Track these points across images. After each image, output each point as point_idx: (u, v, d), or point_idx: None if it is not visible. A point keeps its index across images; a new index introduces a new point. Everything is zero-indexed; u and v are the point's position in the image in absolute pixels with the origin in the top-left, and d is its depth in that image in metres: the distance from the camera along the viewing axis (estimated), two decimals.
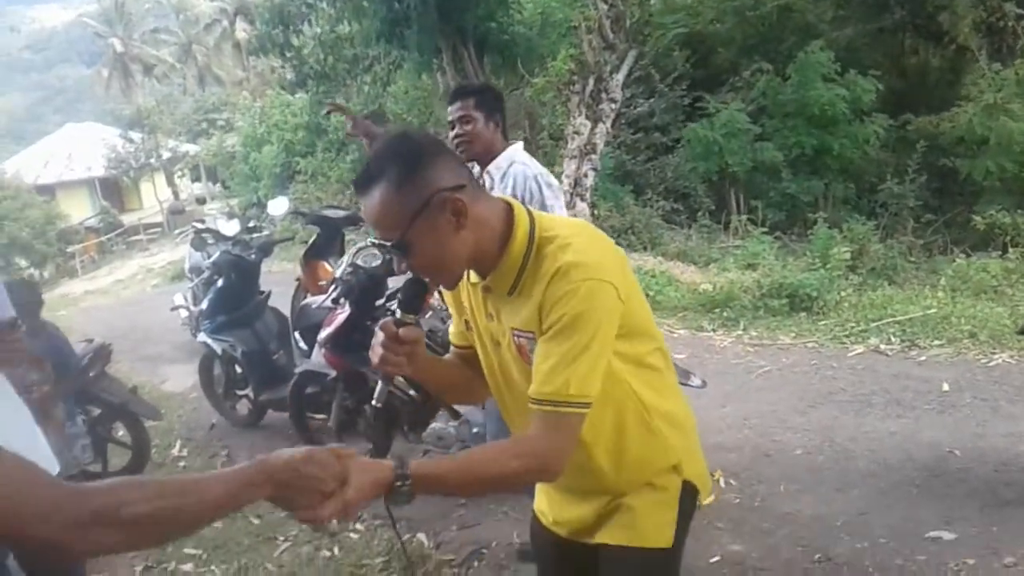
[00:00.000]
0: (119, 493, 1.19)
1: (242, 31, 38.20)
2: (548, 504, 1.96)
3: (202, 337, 5.64)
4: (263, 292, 5.77)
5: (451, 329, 1.94)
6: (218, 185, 30.05)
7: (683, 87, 11.88)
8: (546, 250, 1.59)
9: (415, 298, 1.72)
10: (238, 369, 5.68)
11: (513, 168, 3.34)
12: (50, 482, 1.16)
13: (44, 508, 1.11)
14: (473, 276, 1.72)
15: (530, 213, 1.67)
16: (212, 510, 1.29)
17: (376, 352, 1.65)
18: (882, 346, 5.92)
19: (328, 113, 3.41)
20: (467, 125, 3.27)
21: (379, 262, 4.50)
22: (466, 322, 1.83)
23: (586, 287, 1.53)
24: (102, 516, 1.15)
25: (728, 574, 3.40)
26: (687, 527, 1.84)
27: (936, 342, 5.82)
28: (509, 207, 1.66)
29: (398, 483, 1.46)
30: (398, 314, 1.70)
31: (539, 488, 2.01)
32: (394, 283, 4.72)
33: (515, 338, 1.66)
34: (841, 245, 7.88)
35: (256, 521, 4.47)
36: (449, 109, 3.30)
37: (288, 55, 13.06)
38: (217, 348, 5.57)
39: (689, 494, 1.81)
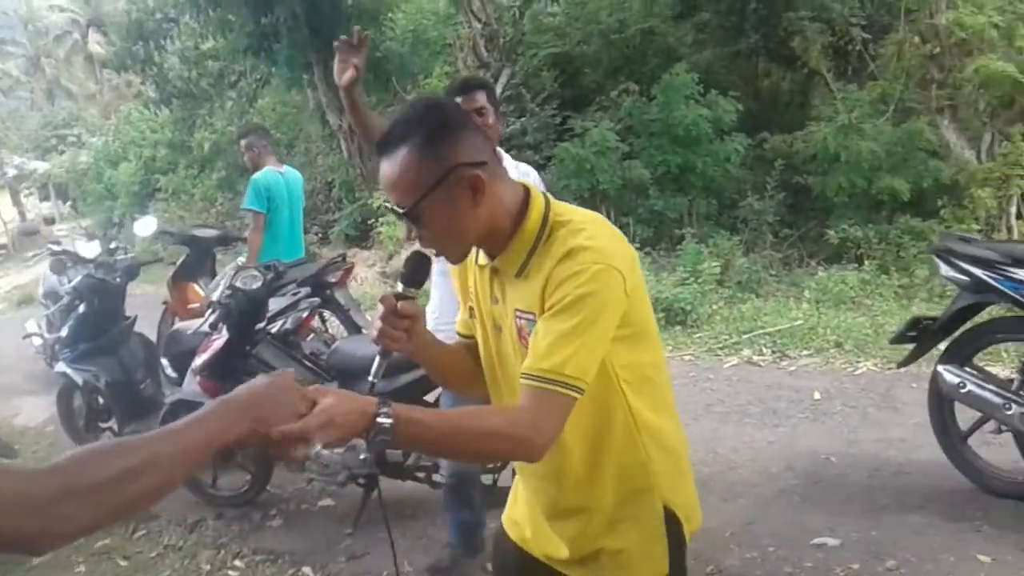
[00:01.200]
0: (82, 460, 1.08)
1: (95, 44, 36.39)
2: (526, 517, 1.88)
3: (61, 367, 5.27)
4: (128, 317, 5.44)
5: (457, 317, 1.93)
6: (68, 204, 28.44)
7: (553, 106, 12.05)
8: (558, 233, 1.58)
9: (417, 272, 1.71)
10: (101, 400, 5.34)
11: (525, 168, 3.37)
12: (7, 470, 1.04)
13: (8, 496, 1.00)
14: (482, 258, 1.71)
15: (546, 198, 1.66)
16: (190, 456, 1.19)
17: (375, 326, 1.64)
18: (755, 357, 6.13)
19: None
20: (483, 118, 3.11)
21: (259, 284, 4.32)
22: (471, 309, 1.80)
23: (594, 270, 1.50)
24: (72, 488, 1.04)
25: None
26: (682, 559, 1.77)
27: (805, 352, 6.07)
28: (526, 190, 1.66)
29: (381, 418, 1.38)
30: (399, 288, 1.69)
31: (516, 499, 1.94)
32: (275, 304, 4.55)
33: (516, 319, 1.63)
34: (710, 260, 8.14)
35: (124, 563, 4.20)
36: (460, 99, 3.09)
37: (150, 72, 12.44)
38: (78, 378, 5.21)
39: (672, 523, 1.73)
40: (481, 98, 3.14)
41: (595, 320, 1.51)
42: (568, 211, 1.64)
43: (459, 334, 1.91)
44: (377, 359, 1.69)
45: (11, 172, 30.13)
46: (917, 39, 8.00)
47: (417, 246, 1.73)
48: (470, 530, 3.66)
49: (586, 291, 1.50)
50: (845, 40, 11.54)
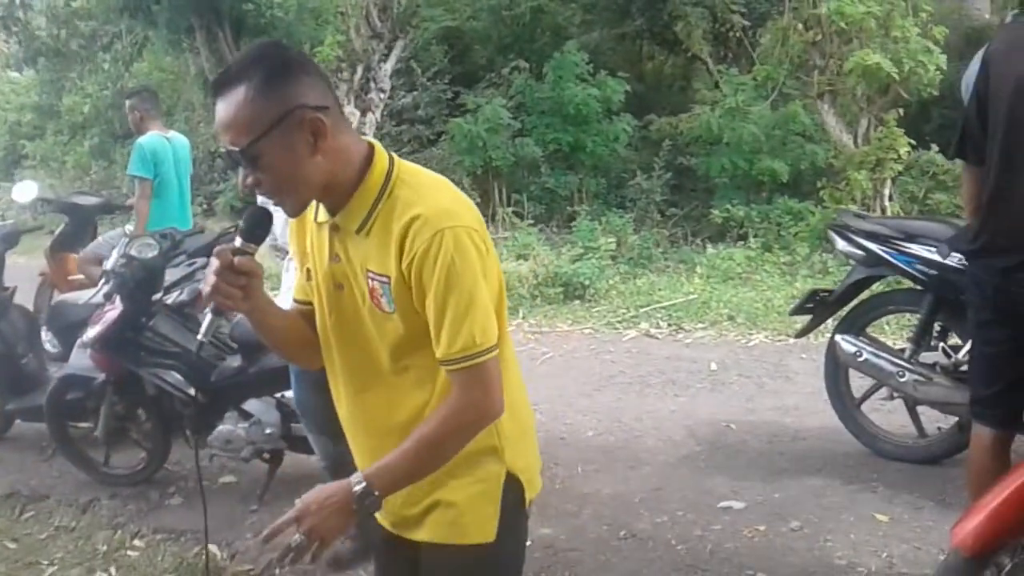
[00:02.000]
0: None
1: None
2: None
3: None
4: (7, 288, 5.09)
5: (295, 284, 1.84)
6: None
7: (444, 81, 11.96)
8: (399, 192, 1.56)
9: (257, 227, 1.63)
10: None
11: None
12: None
13: None
14: (321, 214, 1.64)
15: (391, 156, 1.62)
16: None
17: (208, 281, 1.54)
18: (652, 330, 6.29)
19: None
20: None
21: (155, 252, 4.12)
22: (307, 271, 1.72)
23: (450, 235, 1.50)
24: None
25: (541, 558, 3.44)
26: (515, 523, 1.77)
27: (699, 325, 6.28)
28: (371, 146, 1.61)
29: (356, 487, 1.47)
30: (237, 242, 1.60)
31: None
32: (170, 275, 4.35)
33: (369, 280, 1.59)
34: (604, 236, 8.28)
35: (12, 546, 3.96)
36: None
37: (14, 29, 11.61)
38: None
39: (512, 488, 1.72)
40: None
41: (475, 282, 1.52)
42: (412, 171, 1.62)
43: (296, 300, 1.82)
44: (208, 316, 1.62)
45: None
46: (800, 26, 8.32)
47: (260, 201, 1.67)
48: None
49: (453, 260, 1.50)
50: (726, 27, 11.90)
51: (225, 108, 1.49)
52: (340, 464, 3.37)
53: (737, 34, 11.74)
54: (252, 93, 1.46)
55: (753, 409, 4.77)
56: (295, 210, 1.61)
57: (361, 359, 1.67)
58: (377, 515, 1.79)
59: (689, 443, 4.43)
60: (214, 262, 1.54)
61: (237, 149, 1.48)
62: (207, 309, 1.61)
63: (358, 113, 8.49)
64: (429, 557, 1.77)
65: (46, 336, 5.34)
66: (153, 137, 5.46)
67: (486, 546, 1.70)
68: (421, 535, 1.75)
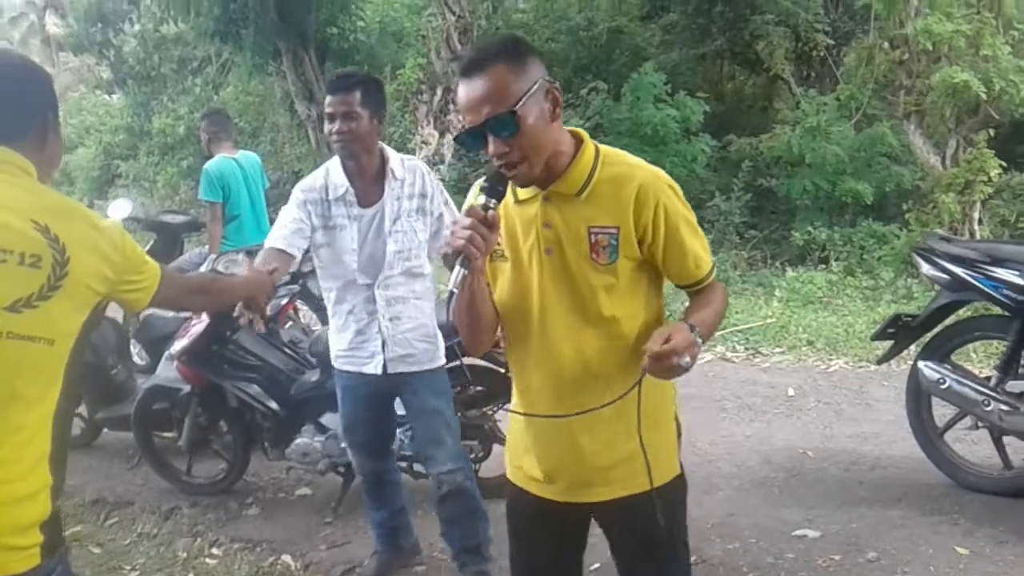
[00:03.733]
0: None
1: (53, 25, 35.57)
2: (542, 453, 1.99)
3: None
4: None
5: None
6: None
7: None
8: (610, 162, 1.85)
9: (499, 184, 1.81)
10: None
11: (412, 164, 3.22)
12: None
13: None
14: (522, 193, 1.88)
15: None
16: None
17: (461, 234, 1.72)
18: (728, 354, 6.20)
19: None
20: (351, 122, 2.97)
21: (240, 270, 4.24)
22: (492, 252, 1.90)
23: (665, 176, 1.87)
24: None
25: None
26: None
27: (777, 349, 6.16)
28: (573, 130, 1.90)
29: (693, 334, 1.74)
30: (481, 200, 1.79)
31: (527, 450, 2.01)
32: None
33: (592, 235, 1.83)
34: None
35: (97, 551, 4.10)
36: (329, 100, 3.02)
37: (106, 54, 12.17)
38: None
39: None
40: (352, 100, 2.96)
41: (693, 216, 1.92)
42: (608, 148, 1.91)
43: None
44: (458, 269, 1.75)
45: None
46: (886, 45, 8.14)
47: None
48: (389, 530, 3.57)
49: (685, 208, 1.88)
50: (809, 46, 11.72)
51: (482, 84, 1.72)
52: (377, 482, 3.49)
53: (821, 53, 11.56)
54: (506, 68, 1.72)
55: (831, 436, 4.66)
56: (529, 177, 1.81)
57: (570, 312, 1.87)
58: (537, 489, 2.00)
59: (764, 469, 4.35)
60: (465, 219, 1.74)
61: (503, 112, 1.71)
62: (457, 262, 1.75)
63: (436, 135, 8.61)
64: (619, 512, 1.97)
65: (135, 349, 5.54)
66: (220, 161, 5.62)
67: (678, 477, 2.01)
68: (612, 492, 1.94)
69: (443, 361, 3.28)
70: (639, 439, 1.87)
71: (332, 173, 3.11)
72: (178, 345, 4.19)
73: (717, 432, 4.84)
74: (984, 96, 7.30)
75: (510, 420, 2.11)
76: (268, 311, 4.55)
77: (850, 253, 8.57)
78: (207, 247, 5.87)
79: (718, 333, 6.53)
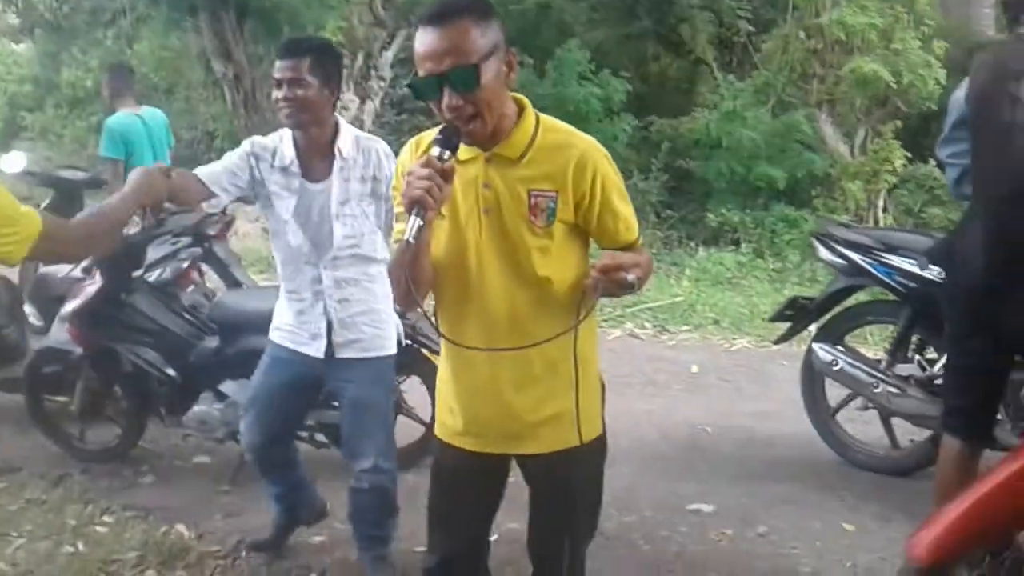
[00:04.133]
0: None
1: None
2: (467, 408, 2.06)
3: None
4: None
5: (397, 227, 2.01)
6: None
7: None
8: (549, 129, 1.92)
9: (453, 137, 1.82)
10: None
11: (368, 144, 2.98)
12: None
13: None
14: (463, 152, 1.88)
15: None
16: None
17: (418, 184, 1.73)
18: (636, 330, 6.29)
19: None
20: (299, 89, 2.77)
21: (137, 229, 4.10)
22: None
23: (607, 160, 1.94)
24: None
25: (508, 551, 3.43)
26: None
27: (684, 327, 6.27)
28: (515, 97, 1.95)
29: (629, 277, 1.82)
30: (435, 151, 1.78)
31: (452, 410, 2.08)
32: (153, 253, 4.34)
33: (532, 197, 1.89)
34: None
35: None
36: (277, 65, 2.82)
37: (13, 1, 11.60)
38: None
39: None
40: (301, 66, 2.78)
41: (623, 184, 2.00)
42: (546, 117, 1.97)
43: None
44: (413, 219, 1.75)
45: None
46: (802, 34, 8.32)
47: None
48: (286, 504, 3.44)
49: (617, 176, 1.96)
50: (732, 32, 11.89)
51: (448, 34, 1.73)
52: (269, 462, 3.28)
53: (742, 40, 11.73)
54: (474, 21, 1.75)
55: (730, 413, 4.77)
56: (479, 135, 1.84)
57: (505, 270, 1.93)
58: (463, 442, 2.09)
59: (663, 445, 4.43)
60: (421, 170, 1.74)
61: (466, 64, 1.73)
62: (412, 213, 1.75)
63: (357, 100, 8.48)
64: (543, 464, 2.07)
65: (30, 309, 5.33)
66: (122, 116, 5.43)
67: (602, 436, 2.15)
68: (540, 446, 2.04)
69: (393, 350, 3.10)
70: (575, 395, 1.99)
71: (284, 141, 2.94)
72: (70, 306, 4.04)
73: (619, 407, 4.81)
74: (893, 87, 7.52)
75: (439, 379, 2.17)
76: (169, 274, 4.44)
77: (760, 236, 8.77)
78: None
79: (627, 309, 6.63)
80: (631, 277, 1.77)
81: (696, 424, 4.64)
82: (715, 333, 6.15)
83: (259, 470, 3.37)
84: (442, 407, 2.15)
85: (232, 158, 2.95)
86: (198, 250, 4.86)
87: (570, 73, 11.06)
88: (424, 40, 1.77)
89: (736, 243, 8.80)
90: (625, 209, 1.98)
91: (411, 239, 1.76)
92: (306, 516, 3.52)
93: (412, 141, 2.05)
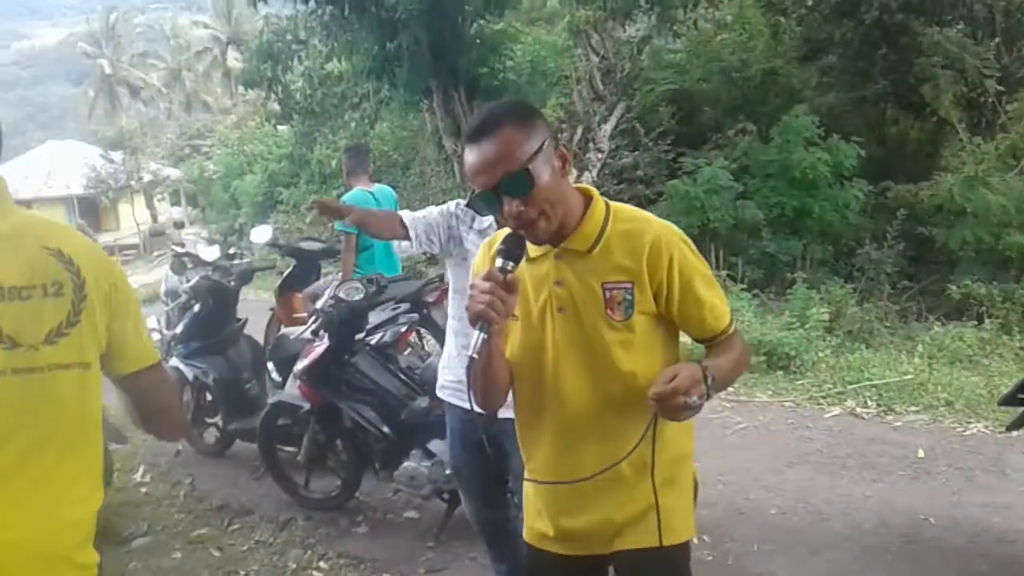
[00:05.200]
0: None
1: (234, 60, 38.35)
2: (557, 516, 2.00)
3: (174, 362, 5.53)
4: (239, 320, 5.68)
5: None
6: (197, 210, 29.90)
7: (667, 142, 12.02)
8: (623, 214, 1.88)
9: (516, 248, 1.81)
10: (208, 396, 5.59)
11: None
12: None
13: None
14: (533, 250, 1.88)
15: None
16: None
17: (480, 299, 1.72)
18: (858, 409, 5.91)
19: (312, 206, 3.53)
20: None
21: (361, 296, 4.44)
22: None
23: (678, 232, 1.88)
24: None
25: None
26: None
27: (912, 408, 5.82)
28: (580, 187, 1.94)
29: (707, 380, 1.73)
30: (498, 263, 1.78)
31: (539, 511, 2.04)
32: (375, 317, 4.68)
33: (606, 291, 1.83)
34: (819, 306, 7.90)
35: (217, 554, 4.36)
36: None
37: (275, 89, 13.04)
38: (189, 374, 5.47)
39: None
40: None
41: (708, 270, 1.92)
42: (618, 203, 1.94)
43: None
44: (477, 333, 1.74)
45: (147, 177, 31.85)
46: None
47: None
48: None
49: (699, 262, 1.88)
50: (978, 91, 11.12)
51: (492, 147, 1.75)
52: (496, 532, 3.30)
53: (990, 99, 10.94)
54: (514, 129, 1.75)
55: (958, 504, 4.35)
56: (546, 235, 1.82)
57: (584, 369, 1.87)
58: (557, 547, 2.01)
59: (880, 532, 4.12)
60: (483, 283, 1.74)
61: (515, 171, 1.73)
62: (476, 328, 1.74)
63: (576, 172, 8.71)
64: (629, 563, 1.98)
65: (271, 366, 5.87)
66: (356, 193, 5.87)
67: (687, 543, 2.00)
68: (624, 543, 1.95)
69: None
70: (654, 495, 1.91)
71: None
72: (300, 364, 4.43)
73: (834, 490, 4.62)
74: None
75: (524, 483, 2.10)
76: (388, 337, 4.76)
77: (1010, 310, 8.01)
78: (339, 275, 6.16)
79: (850, 386, 6.27)
80: (691, 400, 1.66)
81: (919, 513, 4.27)
82: (947, 415, 5.65)
83: (488, 543, 3.40)
84: (530, 511, 2.09)
85: (434, 213, 3.16)
86: (416, 315, 5.18)
87: (796, 139, 10.79)
88: (472, 157, 1.77)
89: (980, 318, 8.08)
90: (711, 295, 1.88)
91: (474, 355, 1.73)
92: None
93: (485, 242, 2.04)
